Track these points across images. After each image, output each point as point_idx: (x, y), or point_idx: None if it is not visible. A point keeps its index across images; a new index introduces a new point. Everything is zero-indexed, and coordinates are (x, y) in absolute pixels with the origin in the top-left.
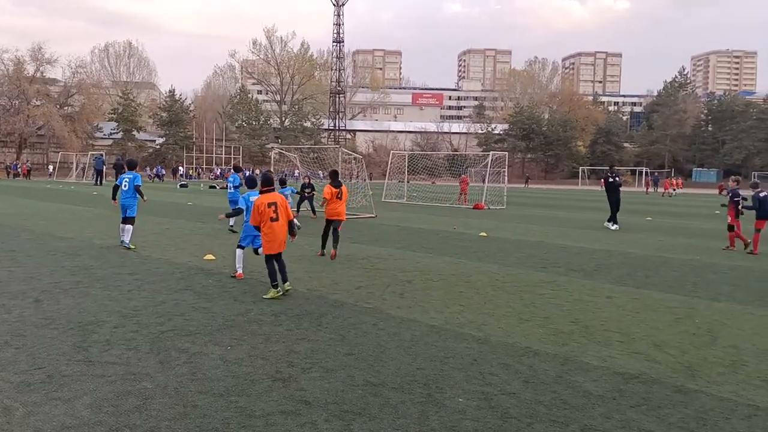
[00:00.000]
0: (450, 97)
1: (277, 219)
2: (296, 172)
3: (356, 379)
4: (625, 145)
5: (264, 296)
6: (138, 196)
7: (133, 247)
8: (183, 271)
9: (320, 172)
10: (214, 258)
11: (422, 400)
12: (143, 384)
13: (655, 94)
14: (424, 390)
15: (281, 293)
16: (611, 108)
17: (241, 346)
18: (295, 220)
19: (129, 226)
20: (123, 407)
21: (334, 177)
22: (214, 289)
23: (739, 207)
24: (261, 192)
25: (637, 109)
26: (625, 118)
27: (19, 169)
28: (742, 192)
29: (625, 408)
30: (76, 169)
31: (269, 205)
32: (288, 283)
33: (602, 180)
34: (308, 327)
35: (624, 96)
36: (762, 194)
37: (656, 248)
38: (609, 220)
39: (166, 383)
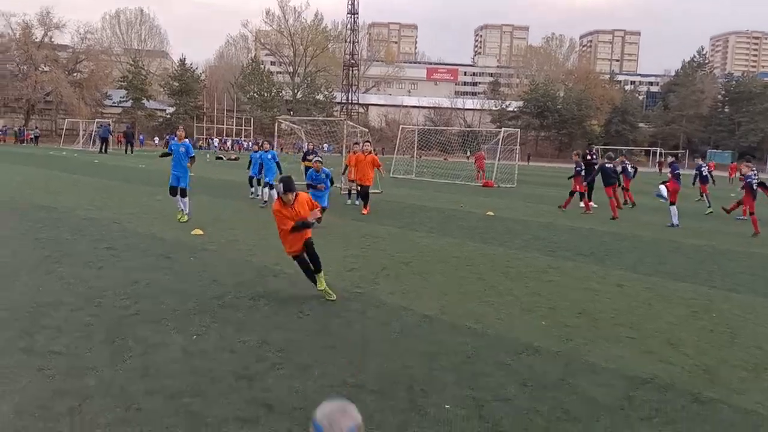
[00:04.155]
0: (465, 73)
1: None
2: (303, 145)
3: (332, 379)
4: (640, 124)
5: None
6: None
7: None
8: (166, 246)
9: (325, 145)
10: (201, 233)
11: (404, 406)
12: (86, 380)
13: (673, 74)
14: (407, 394)
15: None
16: (628, 87)
17: (209, 336)
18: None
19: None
20: (55, 409)
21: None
22: (194, 268)
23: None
24: None
25: (654, 88)
26: (641, 97)
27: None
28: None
29: (634, 421)
30: (83, 137)
31: None
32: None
33: (581, 158)
34: (288, 314)
35: (641, 75)
36: (607, 165)
37: (668, 232)
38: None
39: (112, 380)
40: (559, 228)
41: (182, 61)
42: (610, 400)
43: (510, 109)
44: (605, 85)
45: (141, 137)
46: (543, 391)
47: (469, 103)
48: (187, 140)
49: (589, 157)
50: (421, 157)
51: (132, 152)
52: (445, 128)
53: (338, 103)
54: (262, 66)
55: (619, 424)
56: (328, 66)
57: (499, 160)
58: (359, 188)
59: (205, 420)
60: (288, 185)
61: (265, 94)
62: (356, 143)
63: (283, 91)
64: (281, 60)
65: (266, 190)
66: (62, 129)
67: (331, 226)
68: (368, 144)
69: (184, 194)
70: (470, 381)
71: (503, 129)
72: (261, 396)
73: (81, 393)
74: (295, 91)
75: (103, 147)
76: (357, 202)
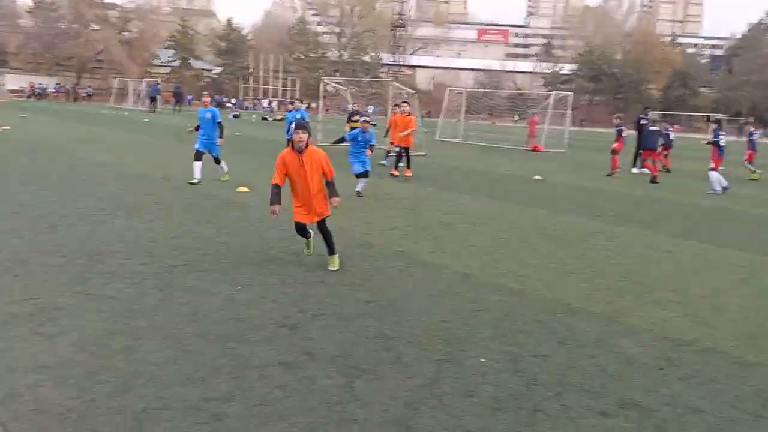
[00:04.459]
0: (517, 35)
1: None
2: (349, 107)
3: (370, 331)
4: (702, 89)
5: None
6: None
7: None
8: (213, 202)
9: (370, 107)
10: (248, 191)
11: (440, 358)
12: (138, 323)
13: (738, 37)
14: (444, 347)
15: None
16: (689, 50)
17: (253, 287)
18: None
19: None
20: (109, 347)
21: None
22: (240, 224)
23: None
24: None
25: (718, 52)
26: (704, 61)
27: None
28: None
29: (672, 380)
30: (133, 96)
31: None
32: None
33: (634, 122)
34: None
35: (704, 38)
36: (652, 128)
37: (725, 199)
38: (634, 165)
39: (162, 323)
40: (609, 193)
41: (229, 21)
42: (649, 360)
43: (563, 72)
44: (666, 47)
45: (189, 98)
46: (580, 349)
47: (521, 65)
48: (218, 106)
49: (643, 122)
50: (468, 120)
51: (180, 111)
52: (493, 91)
53: (385, 64)
54: (308, 26)
55: (656, 383)
56: (375, 26)
57: (549, 124)
58: (399, 150)
59: (249, 363)
60: (301, 123)
61: (312, 55)
62: (396, 105)
63: (329, 52)
64: (328, 20)
65: None
66: (113, 88)
67: (375, 186)
68: (406, 105)
69: (218, 162)
70: (507, 337)
71: (554, 92)
72: (302, 343)
73: (134, 334)
74: (342, 52)
75: (152, 106)
76: (401, 164)
